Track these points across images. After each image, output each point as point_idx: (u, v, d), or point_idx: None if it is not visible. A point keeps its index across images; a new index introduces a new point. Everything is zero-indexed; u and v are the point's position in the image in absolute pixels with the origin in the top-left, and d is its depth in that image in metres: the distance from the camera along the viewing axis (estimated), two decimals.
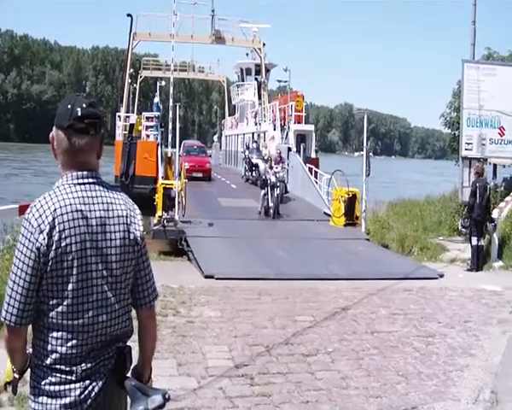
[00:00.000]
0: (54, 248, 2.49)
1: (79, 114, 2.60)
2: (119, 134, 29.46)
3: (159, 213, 16.33)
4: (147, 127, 28.74)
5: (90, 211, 2.60)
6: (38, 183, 33.77)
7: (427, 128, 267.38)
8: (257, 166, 26.66)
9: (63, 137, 2.63)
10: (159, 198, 16.63)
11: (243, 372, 6.81)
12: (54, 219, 2.51)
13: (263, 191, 20.21)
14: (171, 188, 16.76)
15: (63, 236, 2.51)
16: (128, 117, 30.77)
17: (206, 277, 11.81)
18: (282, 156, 21.99)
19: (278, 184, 19.88)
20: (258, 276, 11.92)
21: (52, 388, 2.54)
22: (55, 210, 2.52)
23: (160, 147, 24.46)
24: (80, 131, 2.61)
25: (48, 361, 2.55)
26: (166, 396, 2.58)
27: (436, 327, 9.04)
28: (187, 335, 8.06)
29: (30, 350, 2.68)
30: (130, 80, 35.51)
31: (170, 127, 18.27)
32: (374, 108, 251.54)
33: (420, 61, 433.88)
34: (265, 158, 25.85)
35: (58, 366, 2.54)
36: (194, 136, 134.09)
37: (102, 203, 2.65)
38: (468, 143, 18.32)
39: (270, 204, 19.66)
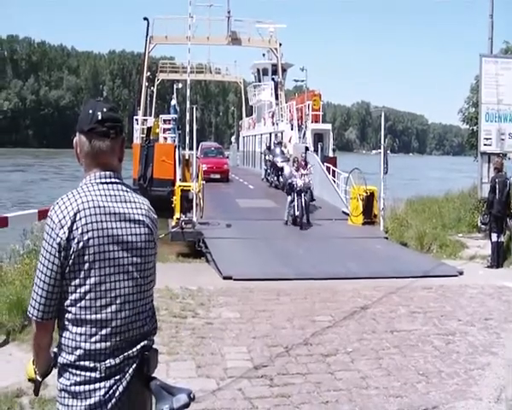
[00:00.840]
0: (75, 242, 2.53)
1: (100, 117, 2.67)
2: (137, 137, 29.58)
3: (177, 215, 16.41)
4: (164, 130, 28.84)
5: (113, 207, 2.64)
6: (70, 187, 34.14)
7: (444, 124, 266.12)
8: (283, 170, 25.18)
9: (85, 141, 2.70)
10: (176, 200, 16.70)
11: (262, 373, 6.80)
12: (75, 214, 2.55)
13: (289, 198, 18.31)
14: (189, 190, 16.83)
15: (85, 230, 2.54)
16: (145, 120, 30.92)
17: (225, 278, 11.81)
18: (306, 160, 20.37)
19: (305, 189, 18.32)
20: (276, 276, 11.92)
21: (77, 388, 2.56)
22: (77, 206, 2.57)
23: (177, 149, 24.57)
24: (101, 134, 2.68)
25: (72, 358, 2.57)
26: (191, 395, 2.60)
27: (456, 325, 8.96)
28: (206, 336, 8.07)
29: (55, 349, 2.73)
30: (147, 83, 35.69)
31: (187, 129, 18.31)
32: (391, 105, 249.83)
33: (437, 57, 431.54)
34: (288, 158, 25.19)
35: (82, 363, 2.56)
36: (211, 137, 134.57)
37: (125, 202, 2.70)
38: (487, 139, 18.11)
39: (297, 213, 17.88)
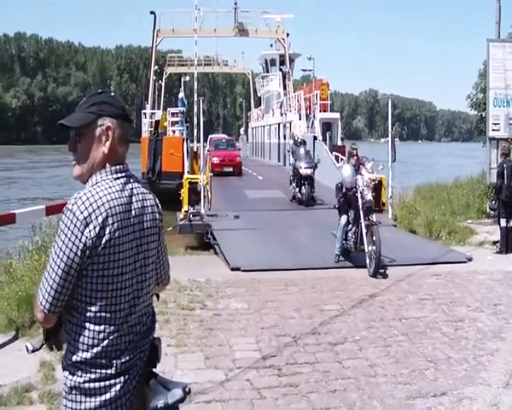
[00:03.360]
0: (101, 241, 2.48)
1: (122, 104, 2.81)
2: (145, 131, 29.68)
3: (185, 207, 16.43)
4: (172, 123, 28.93)
5: (132, 203, 2.63)
6: None
7: (453, 111, 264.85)
8: (309, 178, 20.08)
9: (120, 126, 2.71)
10: (184, 193, 16.73)
11: (270, 363, 6.80)
12: (101, 213, 2.49)
13: (344, 218, 12.17)
14: (197, 182, 16.85)
15: (112, 229, 2.50)
16: (153, 114, 30.99)
17: (233, 269, 11.81)
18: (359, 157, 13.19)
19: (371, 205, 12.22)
20: (284, 266, 11.91)
21: (92, 385, 2.51)
22: (102, 204, 2.51)
23: (185, 142, 24.61)
24: (128, 121, 2.77)
25: (88, 356, 2.52)
26: (187, 390, 2.59)
27: (465, 311, 8.93)
28: (214, 328, 8.09)
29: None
30: (155, 77, 35.73)
31: (195, 122, 18.31)
32: (399, 93, 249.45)
33: (445, 44, 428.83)
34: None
35: (98, 361, 2.52)
36: (219, 129, 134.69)
37: (138, 194, 2.69)
38: (495, 124, 18.02)
39: (370, 247, 11.45)
